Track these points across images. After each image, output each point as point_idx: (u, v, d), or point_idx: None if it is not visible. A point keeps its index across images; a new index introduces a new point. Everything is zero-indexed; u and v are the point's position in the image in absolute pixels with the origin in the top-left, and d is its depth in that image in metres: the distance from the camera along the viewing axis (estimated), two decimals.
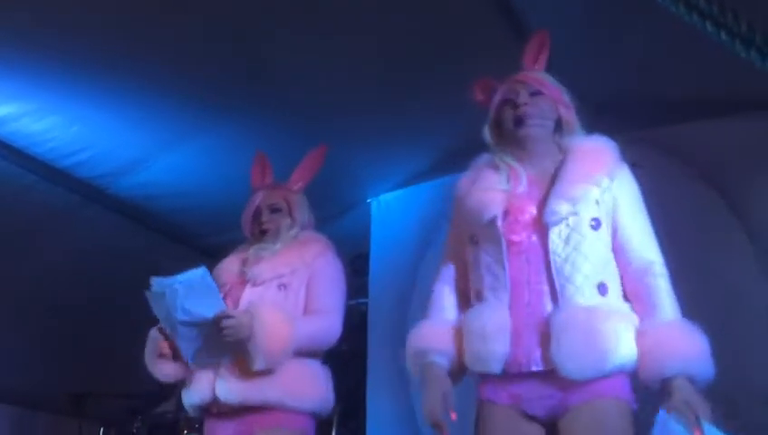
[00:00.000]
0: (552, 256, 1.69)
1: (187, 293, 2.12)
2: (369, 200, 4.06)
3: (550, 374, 1.65)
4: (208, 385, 2.17)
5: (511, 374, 1.69)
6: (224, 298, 2.22)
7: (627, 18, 2.54)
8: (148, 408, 4.18)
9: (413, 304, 3.49)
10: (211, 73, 2.93)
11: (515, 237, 1.73)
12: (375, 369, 3.72)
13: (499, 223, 1.74)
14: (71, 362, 4.04)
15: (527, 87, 1.86)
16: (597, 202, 1.73)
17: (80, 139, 3.33)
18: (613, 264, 1.74)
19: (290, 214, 2.39)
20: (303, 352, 2.20)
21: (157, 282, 2.16)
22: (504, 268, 1.71)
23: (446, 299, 1.87)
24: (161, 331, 2.23)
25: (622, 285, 1.74)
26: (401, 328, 3.58)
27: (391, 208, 4.01)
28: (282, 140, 3.11)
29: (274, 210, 2.37)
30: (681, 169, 3.15)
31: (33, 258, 3.67)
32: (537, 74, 1.91)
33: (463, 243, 1.85)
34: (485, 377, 1.74)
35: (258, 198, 2.40)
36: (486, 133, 1.90)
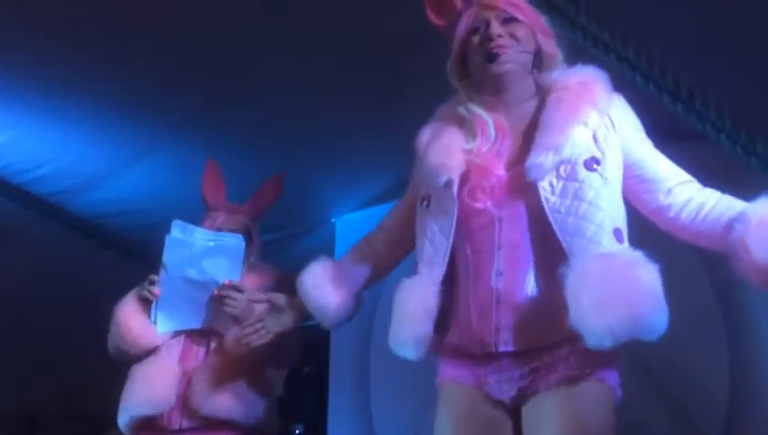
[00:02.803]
0: (550, 215, 1.42)
1: (216, 253, 2.09)
2: (333, 220, 4.06)
3: (521, 354, 1.43)
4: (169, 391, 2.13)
5: (475, 354, 1.47)
6: None
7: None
8: (102, 431, 4.09)
9: (375, 324, 3.48)
10: (171, 90, 2.91)
11: (478, 205, 1.47)
12: (336, 389, 3.69)
13: (455, 188, 1.48)
14: (24, 384, 3.93)
15: (499, 13, 1.54)
16: (594, 139, 1.47)
17: (37, 154, 3.27)
18: (623, 207, 1.49)
19: (249, 242, 2.37)
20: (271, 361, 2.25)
21: (187, 230, 2.10)
22: (447, 241, 1.49)
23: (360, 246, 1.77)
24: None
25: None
26: (363, 349, 3.57)
27: (355, 228, 3.99)
28: (244, 157, 3.09)
29: None
30: None
31: None
32: None
33: (414, 205, 1.61)
34: (446, 354, 1.54)
35: (218, 221, 2.36)
36: (450, 71, 1.61)
